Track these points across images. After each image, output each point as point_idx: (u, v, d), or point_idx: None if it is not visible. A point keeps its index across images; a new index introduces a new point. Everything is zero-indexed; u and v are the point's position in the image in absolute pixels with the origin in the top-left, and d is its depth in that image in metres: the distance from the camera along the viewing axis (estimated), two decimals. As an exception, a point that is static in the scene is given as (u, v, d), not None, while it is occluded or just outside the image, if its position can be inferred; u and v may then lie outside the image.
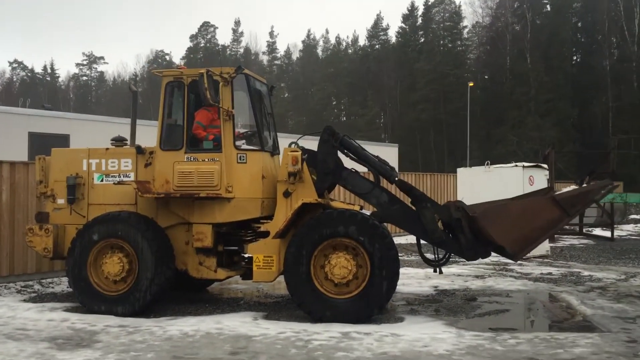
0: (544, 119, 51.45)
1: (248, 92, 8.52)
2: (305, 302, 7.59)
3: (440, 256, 8.39)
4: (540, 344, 6.34)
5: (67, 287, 9.25)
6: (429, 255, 8.47)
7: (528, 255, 13.24)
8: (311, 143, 8.62)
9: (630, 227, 22.92)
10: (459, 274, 11.10)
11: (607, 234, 18.48)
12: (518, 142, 50.46)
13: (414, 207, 8.17)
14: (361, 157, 8.36)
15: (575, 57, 60.55)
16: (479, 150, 55.64)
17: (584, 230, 19.90)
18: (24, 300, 8.87)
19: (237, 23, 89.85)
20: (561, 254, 14.47)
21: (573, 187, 8.53)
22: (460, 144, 54.45)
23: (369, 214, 8.04)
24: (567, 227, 20.40)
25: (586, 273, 11.25)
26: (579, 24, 60.43)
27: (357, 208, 8.16)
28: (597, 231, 19.97)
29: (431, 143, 62.13)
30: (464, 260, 8.66)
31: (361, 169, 8.58)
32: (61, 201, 8.71)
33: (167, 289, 8.31)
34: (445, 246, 8.14)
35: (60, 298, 9.12)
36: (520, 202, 8.25)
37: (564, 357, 5.88)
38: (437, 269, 8.46)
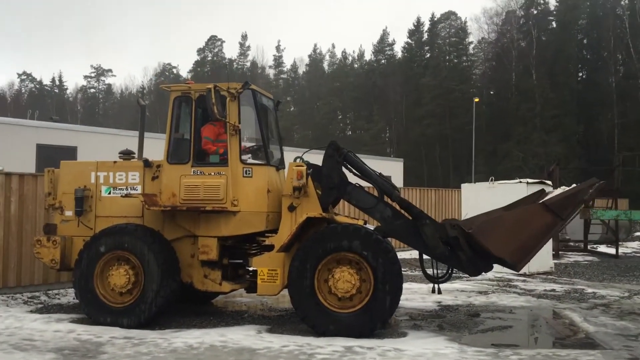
0: (550, 135, 51.51)
1: (254, 107, 8.65)
2: (308, 315, 7.64)
3: (442, 272, 8.43)
4: (542, 360, 6.38)
5: (74, 299, 9.33)
6: (431, 271, 8.53)
7: (532, 271, 13.37)
8: (316, 158, 8.71)
9: (635, 245, 22.85)
10: (462, 290, 11.13)
11: (612, 251, 18.44)
12: (524, 157, 50.55)
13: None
14: (364, 173, 8.44)
15: (580, 74, 60.70)
16: (485, 165, 55.67)
17: (589, 247, 19.89)
18: (31, 311, 8.95)
19: (244, 37, 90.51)
20: (565, 270, 14.46)
21: (563, 188, 8.54)
22: (466, 159, 54.54)
23: (372, 228, 8.11)
24: (572, 243, 20.48)
25: (590, 290, 11.25)
26: (585, 41, 60.60)
27: (360, 223, 8.25)
28: (602, 248, 19.94)
29: (437, 158, 62.24)
30: (468, 275, 8.70)
31: (366, 184, 8.66)
32: (69, 213, 8.83)
33: (172, 301, 8.38)
34: (448, 262, 8.20)
35: (67, 309, 9.20)
36: (513, 212, 8.29)
37: (565, 373, 5.92)
38: (437, 290, 8.50)
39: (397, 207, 8.54)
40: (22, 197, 10.42)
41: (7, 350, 6.72)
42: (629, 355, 6.58)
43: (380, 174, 8.61)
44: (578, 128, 56.16)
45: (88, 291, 8.20)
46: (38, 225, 10.34)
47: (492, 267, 8.26)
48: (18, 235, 10.32)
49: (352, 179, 8.55)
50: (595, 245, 20.34)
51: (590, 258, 17.80)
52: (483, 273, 8.46)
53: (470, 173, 47.74)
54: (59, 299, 10.15)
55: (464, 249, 7.92)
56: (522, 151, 51.45)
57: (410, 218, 8.33)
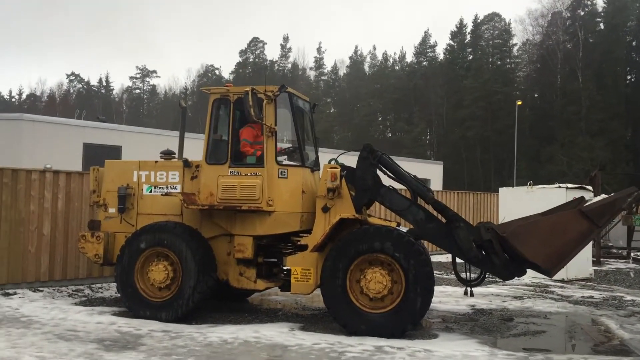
0: (595, 138, 50.34)
1: (291, 110, 8.82)
2: (340, 315, 7.77)
3: (474, 276, 8.43)
4: (573, 365, 6.36)
5: (115, 293, 9.69)
6: (464, 275, 8.54)
7: (571, 277, 13.18)
8: (352, 160, 8.83)
9: (681, 253, 22.15)
10: (497, 294, 11.07)
11: (658, 259, 17.98)
12: (568, 162, 49.50)
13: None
14: (398, 175, 8.50)
15: (629, 77, 59.08)
16: (527, 169, 54.73)
17: (632, 254, 19.41)
18: (75, 304, 9.34)
19: (286, 39, 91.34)
20: (605, 277, 14.20)
21: (603, 196, 8.45)
22: (508, 162, 53.75)
23: (405, 230, 8.19)
24: (614, 250, 20.02)
25: (629, 298, 11.05)
26: (634, 43, 58.97)
27: (394, 225, 8.34)
28: (646, 256, 19.43)
29: (477, 161, 61.49)
30: (502, 280, 8.68)
31: (401, 187, 8.73)
32: (112, 210, 9.19)
33: (208, 297, 8.64)
34: (481, 265, 8.19)
35: (109, 303, 9.57)
36: (549, 217, 8.23)
37: (596, 379, 5.89)
38: (469, 292, 8.50)
39: (431, 210, 8.58)
40: (69, 194, 10.86)
41: (52, 339, 7.06)
42: (663, 364, 6.50)
43: (414, 176, 8.67)
44: (626, 132, 54.73)
45: (129, 285, 8.52)
46: (83, 221, 10.77)
47: (525, 272, 8.22)
48: (64, 231, 10.76)
49: (387, 181, 8.63)
50: (639, 253, 19.83)
51: (633, 265, 17.39)
52: (517, 278, 8.43)
53: (512, 177, 46.98)
54: (101, 292, 10.54)
55: (498, 252, 7.91)
56: (566, 155, 50.36)
57: (444, 221, 8.37)
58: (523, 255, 7.70)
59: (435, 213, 8.52)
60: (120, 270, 8.60)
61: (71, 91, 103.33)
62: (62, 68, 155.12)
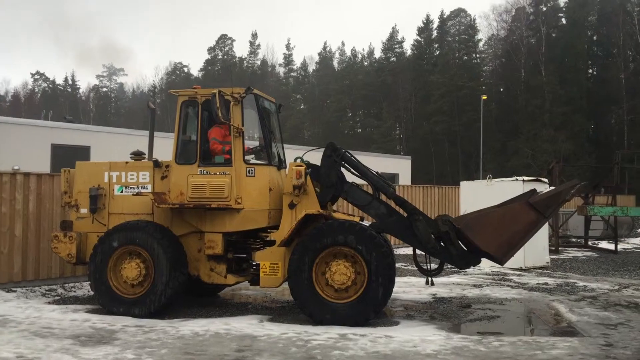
0: (559, 131, 51.64)
1: (257, 111, 9.17)
2: (307, 305, 8.17)
3: (435, 266, 8.91)
4: (521, 346, 6.86)
5: (89, 291, 9.92)
6: (425, 266, 9.01)
7: (528, 266, 13.80)
8: (318, 157, 9.17)
9: (637, 240, 23.14)
10: (458, 283, 11.61)
11: (613, 247, 18.76)
12: (533, 154, 50.73)
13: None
14: (360, 171, 8.92)
15: (590, 70, 60.73)
16: (494, 162, 55.95)
17: (590, 243, 20.25)
18: (49, 303, 9.55)
19: (254, 36, 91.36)
20: (562, 265, 14.88)
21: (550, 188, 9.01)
22: (475, 156, 54.80)
23: (368, 224, 8.62)
24: (574, 239, 20.85)
25: (581, 284, 11.69)
26: (595, 37, 60.62)
27: (357, 219, 8.78)
28: (603, 244, 20.27)
29: (446, 155, 62.54)
30: (459, 269, 9.19)
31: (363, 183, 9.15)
32: (84, 210, 9.42)
33: (180, 293, 8.95)
34: (439, 255, 8.68)
35: (82, 301, 9.80)
36: (499, 209, 8.77)
37: (541, 357, 6.39)
38: (430, 281, 9.01)
39: (394, 205, 9.02)
40: (40, 195, 11.02)
41: (28, 337, 7.29)
42: (604, 342, 7.03)
43: (377, 172, 9.11)
44: (588, 125, 56.26)
45: (102, 283, 8.78)
46: (55, 222, 10.94)
47: (480, 261, 8.75)
48: (36, 232, 10.93)
49: (351, 177, 9.04)
50: (596, 242, 20.69)
51: (589, 254, 18.18)
52: (474, 267, 8.95)
53: (479, 170, 48.00)
54: (75, 291, 10.75)
55: (455, 243, 8.41)
56: (531, 148, 51.61)
57: (405, 214, 8.82)
58: (476, 245, 8.22)
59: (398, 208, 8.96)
60: (93, 268, 8.84)
61: (36, 90, 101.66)
62: (27, 67, 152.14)
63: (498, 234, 8.22)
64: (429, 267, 8.95)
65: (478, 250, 8.39)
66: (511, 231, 8.24)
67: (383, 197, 8.99)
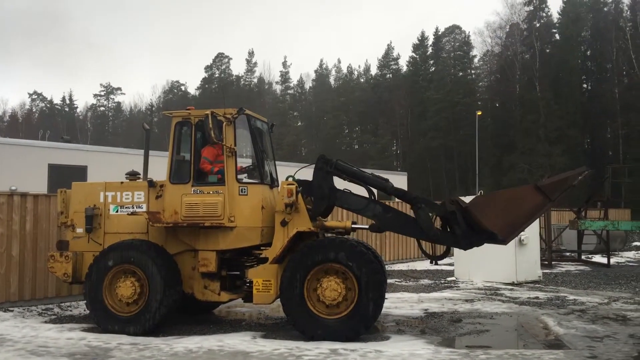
0: (554, 146, 52.07)
1: (249, 131, 9.37)
2: (298, 322, 8.31)
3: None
4: (508, 359, 7.00)
5: (84, 310, 10.04)
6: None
7: (521, 280, 13.94)
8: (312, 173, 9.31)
9: (631, 254, 23.29)
10: (449, 298, 11.73)
11: (606, 260, 18.89)
12: (528, 169, 51.03)
13: (411, 210, 8.84)
14: (356, 176, 9.07)
15: (585, 85, 61.27)
16: (490, 177, 56.27)
17: (584, 257, 20.39)
18: (45, 322, 9.66)
19: (251, 54, 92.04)
20: (554, 279, 15.01)
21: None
22: (471, 171, 55.09)
23: (355, 241, 8.80)
24: (567, 254, 20.99)
25: (572, 297, 11.82)
26: (588, 53, 61.25)
27: (348, 223, 9.02)
28: (597, 258, 20.39)
29: (442, 170, 62.83)
30: (463, 249, 9.15)
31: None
32: (80, 230, 9.58)
33: (175, 311, 9.08)
34: (442, 241, 8.81)
35: (78, 320, 9.91)
36: (507, 191, 8.94)
37: (527, 370, 6.54)
38: (434, 261, 9.12)
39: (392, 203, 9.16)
40: (37, 216, 11.18)
41: (25, 355, 7.42)
42: (589, 354, 7.18)
43: (372, 173, 9.30)
44: (583, 139, 56.68)
45: (97, 302, 8.92)
46: (51, 242, 11.08)
47: (482, 243, 8.72)
48: (33, 252, 11.07)
49: (345, 184, 9.16)
50: (590, 256, 20.83)
51: (582, 268, 18.31)
52: (476, 247, 8.85)
53: (475, 185, 48.23)
54: (70, 310, 10.86)
55: (460, 223, 8.50)
56: (527, 163, 51.94)
57: (409, 205, 8.90)
58: (482, 224, 8.29)
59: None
60: (88, 287, 8.98)
61: (34, 110, 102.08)
62: (25, 87, 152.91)
63: (504, 214, 8.28)
64: (433, 252, 9.02)
65: (483, 231, 8.41)
66: (517, 212, 8.30)
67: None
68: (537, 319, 9.60)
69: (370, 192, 9.04)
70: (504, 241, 8.58)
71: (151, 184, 9.42)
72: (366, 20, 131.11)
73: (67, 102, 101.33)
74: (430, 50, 73.61)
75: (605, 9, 60.29)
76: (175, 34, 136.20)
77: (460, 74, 69.30)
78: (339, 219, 14.64)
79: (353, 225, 9.31)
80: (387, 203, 9.76)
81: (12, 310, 10.47)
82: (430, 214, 8.74)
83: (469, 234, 8.59)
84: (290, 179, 9.05)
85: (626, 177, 25.11)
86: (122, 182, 9.69)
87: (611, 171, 20.75)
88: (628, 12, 57.56)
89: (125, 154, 22.47)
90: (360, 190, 9.11)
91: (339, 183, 9.09)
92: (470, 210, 8.43)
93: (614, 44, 54.41)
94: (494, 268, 13.97)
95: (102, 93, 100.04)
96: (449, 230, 8.75)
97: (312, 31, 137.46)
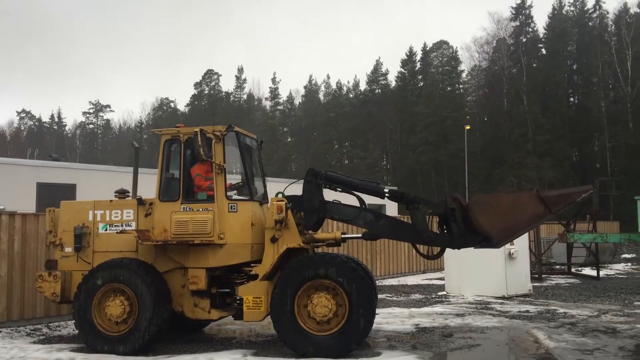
0: (543, 159, 52.44)
1: (238, 147, 9.40)
2: (289, 338, 8.28)
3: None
4: (499, 373, 7.02)
5: (73, 330, 9.94)
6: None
7: (511, 294, 13.97)
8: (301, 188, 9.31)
9: (620, 267, 23.43)
10: (441, 313, 11.73)
11: (595, 273, 18.96)
12: (518, 182, 51.31)
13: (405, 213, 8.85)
14: (348, 184, 9.08)
15: (572, 99, 61.91)
16: (480, 191, 56.30)
17: (574, 270, 20.46)
18: (34, 342, 9.54)
19: (240, 70, 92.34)
20: (544, 292, 15.06)
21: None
22: (461, 185, 55.26)
23: (345, 256, 8.80)
24: (557, 267, 21.07)
25: (562, 310, 11.86)
26: (574, 67, 61.96)
27: (338, 234, 9.05)
28: (587, 271, 20.45)
29: (432, 185, 62.99)
30: (457, 249, 9.13)
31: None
32: (69, 249, 9.51)
33: (165, 329, 9.01)
34: (436, 242, 8.79)
35: (67, 340, 9.80)
36: (510, 195, 8.93)
37: (517, 384, 6.54)
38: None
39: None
40: (25, 235, 11.09)
41: (13, 377, 7.34)
42: (578, 367, 7.21)
43: (363, 179, 9.32)
44: (571, 152, 57.12)
45: (86, 321, 8.84)
46: (40, 261, 10.99)
47: (477, 244, 8.67)
48: (21, 271, 10.97)
49: (334, 196, 9.15)
50: (580, 268, 20.90)
51: (572, 280, 18.38)
52: (469, 247, 8.83)
53: (465, 199, 48.30)
54: (59, 330, 10.75)
55: (458, 220, 8.47)
56: (516, 176, 52.24)
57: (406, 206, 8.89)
58: (479, 224, 8.27)
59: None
60: (77, 306, 8.90)
61: (22, 128, 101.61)
62: (13, 105, 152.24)
63: (504, 217, 8.27)
64: (429, 253, 9.08)
65: (479, 231, 8.40)
66: (516, 218, 8.30)
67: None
68: (527, 333, 9.62)
69: (361, 201, 9.05)
70: (497, 245, 8.59)
71: (140, 202, 9.40)
72: (354, 36, 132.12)
73: (56, 120, 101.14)
74: (418, 65, 74.10)
75: (590, 23, 61.13)
76: (164, 51, 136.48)
77: (449, 88, 69.76)
78: (328, 230, 14.61)
79: (343, 236, 9.31)
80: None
81: (0, 331, 10.34)
82: (427, 216, 8.73)
83: (464, 233, 8.57)
84: (280, 195, 9.06)
85: (614, 189, 25.30)
86: (111, 201, 9.66)
87: (599, 184, 20.91)
88: (613, 27, 58.35)
89: (115, 172, 22.42)
90: (350, 201, 9.12)
91: (328, 195, 9.11)
92: (471, 209, 8.43)
93: (599, 58, 55.03)
94: (484, 282, 14.01)
95: (91, 110, 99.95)
96: (445, 229, 8.74)
97: (301, 47, 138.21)
